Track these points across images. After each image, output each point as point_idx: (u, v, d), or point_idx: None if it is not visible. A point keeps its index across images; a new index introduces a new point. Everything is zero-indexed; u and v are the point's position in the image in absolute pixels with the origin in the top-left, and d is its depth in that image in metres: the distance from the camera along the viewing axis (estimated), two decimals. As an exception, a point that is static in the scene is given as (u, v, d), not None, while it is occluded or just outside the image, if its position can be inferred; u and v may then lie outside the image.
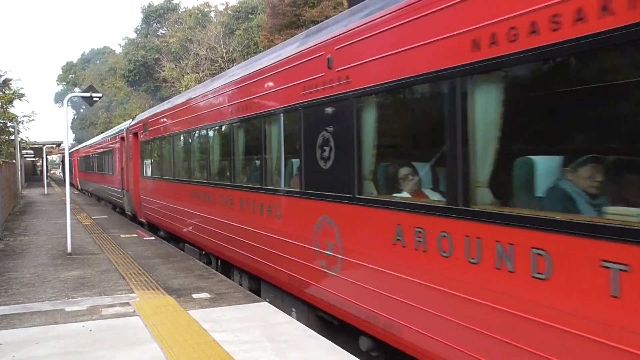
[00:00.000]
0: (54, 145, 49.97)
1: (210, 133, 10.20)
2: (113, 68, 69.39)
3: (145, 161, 16.44)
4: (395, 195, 5.15)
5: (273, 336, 5.92)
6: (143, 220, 16.91)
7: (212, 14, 54.83)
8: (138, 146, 17.34)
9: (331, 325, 6.36)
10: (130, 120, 20.26)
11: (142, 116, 18.10)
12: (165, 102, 15.49)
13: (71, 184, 40.90)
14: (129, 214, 19.41)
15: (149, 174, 15.87)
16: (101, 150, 27.95)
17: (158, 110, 15.06)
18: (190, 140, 11.56)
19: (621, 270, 2.96)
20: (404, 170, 5.25)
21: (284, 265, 6.99)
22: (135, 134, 17.53)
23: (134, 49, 61.33)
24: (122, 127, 21.31)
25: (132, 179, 18.07)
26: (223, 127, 9.51)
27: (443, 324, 4.27)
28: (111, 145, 23.75)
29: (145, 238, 14.13)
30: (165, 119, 13.69)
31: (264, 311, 6.97)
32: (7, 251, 12.20)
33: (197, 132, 11.02)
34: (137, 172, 17.50)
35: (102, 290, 8.26)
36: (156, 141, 14.80)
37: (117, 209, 23.33)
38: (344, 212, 5.60)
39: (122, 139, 20.02)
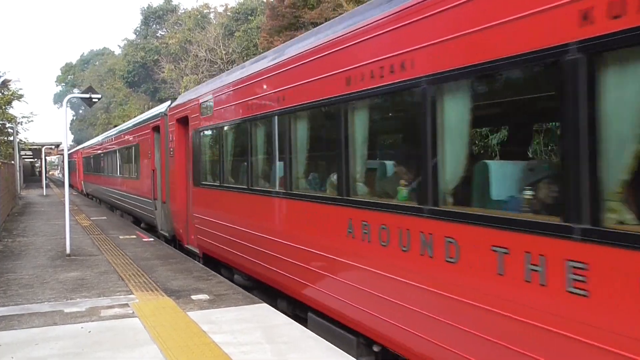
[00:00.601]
0: (53, 146, 49.95)
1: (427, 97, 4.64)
2: (112, 69, 69.46)
3: (203, 160, 10.76)
4: None
5: (272, 337, 5.91)
6: (193, 248, 11.46)
7: (212, 16, 54.83)
8: (186, 138, 11.76)
9: None
10: (169, 102, 14.06)
11: (196, 91, 11.60)
12: (257, 59, 9.02)
13: (72, 187, 40.97)
14: (164, 234, 14.07)
15: (213, 180, 10.29)
16: (117, 146, 21.98)
17: (238, 77, 8.89)
18: (347, 122, 5.78)
19: None
20: None
21: None
22: (183, 120, 11.84)
23: (133, 50, 61.32)
24: (155, 112, 15.33)
25: (174, 186, 12.62)
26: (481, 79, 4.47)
27: None
28: (134, 139, 17.92)
29: (144, 239, 14.12)
30: (261, 88, 7.87)
31: (264, 312, 6.97)
32: (5, 252, 12.18)
33: (379, 99, 5.64)
34: (182, 176, 12.02)
35: (101, 291, 8.25)
36: (234, 127, 9.16)
37: (142, 224, 17.79)
38: None
39: (155, 129, 14.60)
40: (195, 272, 9.65)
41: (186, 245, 12.07)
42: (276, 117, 7.40)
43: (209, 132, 10.44)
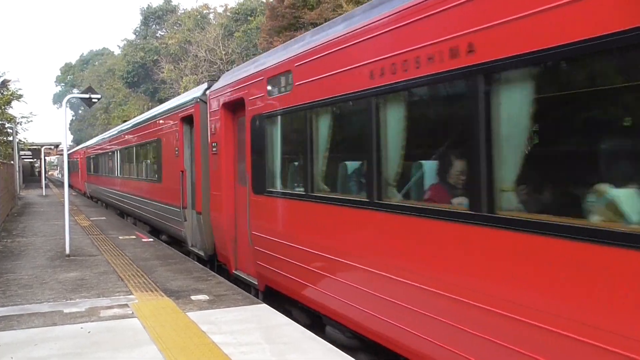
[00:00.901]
0: (52, 147, 49.97)
1: None
2: (112, 69, 69.60)
3: (271, 158, 7.61)
4: None
5: (272, 338, 5.91)
6: (248, 277, 8.56)
7: (211, 16, 54.92)
8: (238, 128, 8.99)
9: None
10: (205, 85, 11.05)
11: (257, 63, 8.31)
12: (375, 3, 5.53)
13: (73, 187, 40.80)
14: (197, 252, 11.30)
15: (291, 186, 7.19)
16: (130, 143, 19.02)
17: (348, 29, 5.70)
18: None
19: None
20: None
21: None
22: (234, 105, 8.94)
23: (133, 51, 61.40)
24: (186, 98, 12.19)
25: (217, 192, 9.62)
26: None
27: None
28: (154, 134, 14.88)
29: (143, 240, 14.11)
30: (403, 41, 4.79)
31: (263, 313, 6.96)
32: (5, 252, 12.17)
33: None
34: (230, 179, 9.19)
35: (100, 291, 8.25)
36: (340, 107, 6.04)
37: (162, 236, 14.79)
38: None
39: (185, 119, 11.81)
40: (195, 273, 9.64)
41: (234, 272, 9.10)
42: (454, 81, 4.27)
43: (284, 118, 7.29)
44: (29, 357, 5.51)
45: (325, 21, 16.44)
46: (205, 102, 10.43)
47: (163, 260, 10.93)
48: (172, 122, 12.94)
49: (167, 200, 13.31)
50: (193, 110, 11.12)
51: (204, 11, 55.78)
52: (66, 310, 7.16)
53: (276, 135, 7.53)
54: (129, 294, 8.02)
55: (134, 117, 27.06)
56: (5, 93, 24.45)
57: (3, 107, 24.31)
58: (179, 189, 12.06)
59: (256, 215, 8.00)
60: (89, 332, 6.25)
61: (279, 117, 7.38)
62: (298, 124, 6.92)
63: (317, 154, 6.38)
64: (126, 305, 7.36)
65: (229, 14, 49.71)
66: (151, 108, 30.02)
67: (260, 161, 7.81)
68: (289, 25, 30.71)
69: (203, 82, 13.20)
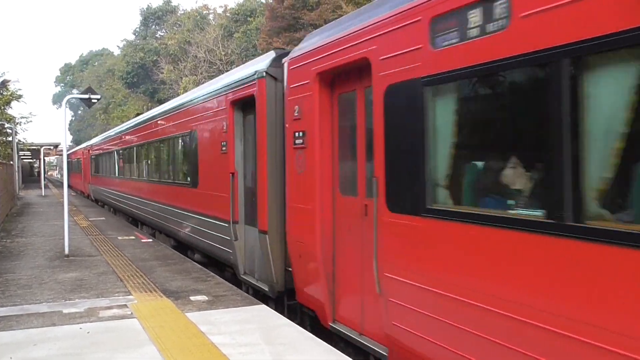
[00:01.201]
0: (52, 147, 49.95)
1: None
2: (111, 70, 69.65)
3: (442, 154, 4.46)
4: None
5: (271, 339, 5.92)
6: (363, 340, 5.69)
7: (211, 17, 54.95)
8: (335, 110, 6.28)
9: None
10: (271, 55, 8.13)
11: (397, 1, 4.84)
12: None
13: (72, 187, 40.77)
14: (256, 285, 8.39)
15: (499, 205, 3.90)
16: (151, 138, 15.49)
17: None
18: None
19: None
20: None
21: None
22: (332, 75, 6.15)
23: (133, 51, 61.40)
24: (244, 73, 8.68)
25: (294, 203, 6.91)
26: None
27: None
28: (186, 126, 11.73)
29: (142, 240, 14.11)
30: None
31: (262, 314, 6.96)
32: (4, 252, 12.17)
33: None
34: (325, 185, 6.29)
35: (99, 292, 8.25)
36: None
37: (195, 255, 11.66)
38: None
39: (238, 103, 9.00)
40: (194, 273, 9.65)
41: (332, 325, 6.31)
42: None
43: (483, 81, 4.13)
44: (28, 357, 5.51)
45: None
46: (274, 77, 7.78)
47: (162, 261, 10.94)
48: (216, 109, 9.91)
49: (206, 211, 10.40)
50: (255, 89, 8.09)
51: (204, 12, 55.81)
52: (65, 311, 7.16)
53: (457, 113, 4.41)
54: (128, 295, 8.03)
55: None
56: (5, 93, 24.48)
57: (3, 107, 24.34)
58: (224, 197, 9.25)
59: (396, 249, 5.02)
60: (88, 332, 6.26)
61: (470, 81, 4.26)
62: (530, 88, 3.72)
63: (593, 148, 3.23)
64: (125, 306, 7.36)
65: (228, 14, 49.74)
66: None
67: (411, 159, 4.74)
68: (289, 26, 30.76)
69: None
